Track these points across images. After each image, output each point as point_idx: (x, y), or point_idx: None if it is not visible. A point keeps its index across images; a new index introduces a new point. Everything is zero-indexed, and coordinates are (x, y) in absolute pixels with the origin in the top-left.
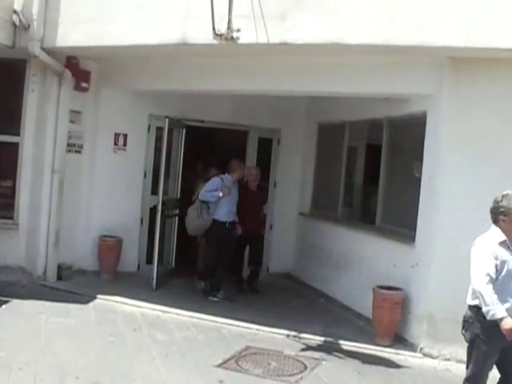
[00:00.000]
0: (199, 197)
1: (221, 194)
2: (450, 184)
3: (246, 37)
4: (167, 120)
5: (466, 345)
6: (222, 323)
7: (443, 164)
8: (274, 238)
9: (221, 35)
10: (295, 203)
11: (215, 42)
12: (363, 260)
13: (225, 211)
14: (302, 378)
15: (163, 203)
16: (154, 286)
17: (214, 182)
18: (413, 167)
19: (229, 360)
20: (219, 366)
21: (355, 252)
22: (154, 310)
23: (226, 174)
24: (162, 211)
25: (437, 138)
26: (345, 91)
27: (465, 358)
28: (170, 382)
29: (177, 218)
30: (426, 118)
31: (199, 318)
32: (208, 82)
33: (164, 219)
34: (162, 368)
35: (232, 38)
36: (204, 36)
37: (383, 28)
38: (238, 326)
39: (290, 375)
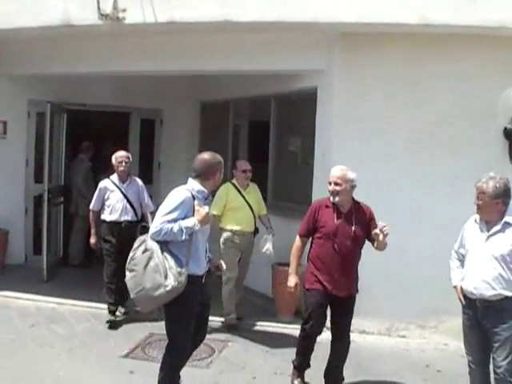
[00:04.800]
0: (152, 235)
1: (197, 227)
2: (342, 159)
3: (132, 16)
4: (49, 105)
5: (370, 316)
6: None
7: (335, 140)
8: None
9: (106, 15)
10: (181, 184)
11: (100, 22)
12: (257, 238)
13: (199, 256)
14: (212, 362)
15: (49, 191)
16: (45, 278)
17: (180, 198)
18: (304, 143)
19: (135, 349)
20: (126, 356)
21: None
22: (48, 302)
23: (194, 182)
24: (48, 200)
25: (328, 114)
26: (235, 69)
27: (367, 329)
28: (79, 377)
29: (62, 205)
30: (316, 93)
31: (97, 308)
32: (92, 65)
33: (50, 208)
34: (68, 364)
35: (118, 18)
36: (88, 17)
37: (273, 5)
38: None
39: (199, 359)
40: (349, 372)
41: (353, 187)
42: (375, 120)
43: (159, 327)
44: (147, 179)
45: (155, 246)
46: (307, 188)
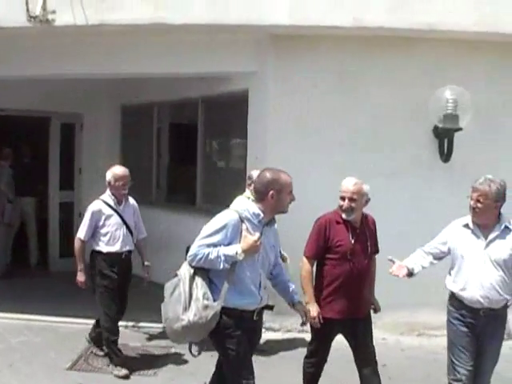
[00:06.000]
0: (189, 259)
1: (241, 256)
2: (277, 162)
3: (62, 18)
4: None
5: None
6: (56, 322)
7: (270, 142)
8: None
9: (35, 17)
10: (102, 189)
11: (29, 24)
12: (186, 241)
13: (246, 288)
14: (159, 369)
15: None
16: None
17: (224, 220)
18: (234, 145)
19: (78, 361)
20: (71, 368)
21: (176, 234)
22: None
23: (250, 203)
24: None
25: (262, 116)
26: (164, 72)
27: (306, 327)
28: None
29: None
30: (247, 96)
31: (28, 320)
32: (17, 68)
33: None
34: (12, 380)
35: (47, 20)
36: (17, 18)
37: (207, 7)
38: (74, 323)
39: (145, 369)
40: (294, 368)
41: (367, 201)
42: (311, 121)
43: None
44: (68, 185)
45: (184, 272)
46: (238, 191)
